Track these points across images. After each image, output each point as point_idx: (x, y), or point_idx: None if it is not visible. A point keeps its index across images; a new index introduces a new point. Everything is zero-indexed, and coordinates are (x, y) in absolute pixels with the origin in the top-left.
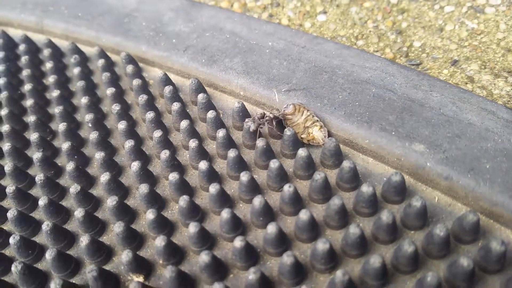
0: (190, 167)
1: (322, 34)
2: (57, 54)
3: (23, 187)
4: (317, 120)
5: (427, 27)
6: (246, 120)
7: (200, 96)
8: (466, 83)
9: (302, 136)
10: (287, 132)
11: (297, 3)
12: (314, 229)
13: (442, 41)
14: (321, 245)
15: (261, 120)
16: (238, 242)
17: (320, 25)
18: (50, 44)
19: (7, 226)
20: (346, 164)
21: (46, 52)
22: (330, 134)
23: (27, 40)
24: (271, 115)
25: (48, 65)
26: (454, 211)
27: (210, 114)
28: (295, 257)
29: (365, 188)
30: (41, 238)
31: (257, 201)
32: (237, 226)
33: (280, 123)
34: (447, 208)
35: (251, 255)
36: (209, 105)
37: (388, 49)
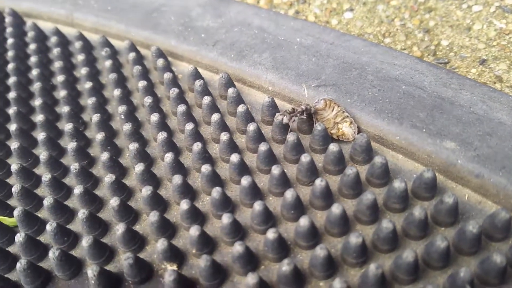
0: (220, 160)
1: (349, 32)
2: (88, 47)
3: (57, 175)
4: (348, 116)
5: (455, 26)
6: (277, 114)
7: (231, 91)
8: (495, 83)
9: (332, 131)
10: (318, 127)
11: (324, 0)
12: (345, 224)
13: (470, 40)
14: (354, 239)
15: (292, 113)
16: (271, 234)
17: (346, 22)
18: (81, 37)
19: (42, 214)
20: (378, 159)
21: (77, 44)
22: (360, 130)
23: (58, 32)
24: (303, 107)
25: (80, 57)
26: (485, 209)
27: (241, 108)
28: (328, 250)
29: (397, 184)
30: (75, 226)
31: (289, 194)
32: (269, 218)
33: (309, 118)
34: (477, 206)
35: (282, 247)
36: (239, 99)
37: (415, 47)
